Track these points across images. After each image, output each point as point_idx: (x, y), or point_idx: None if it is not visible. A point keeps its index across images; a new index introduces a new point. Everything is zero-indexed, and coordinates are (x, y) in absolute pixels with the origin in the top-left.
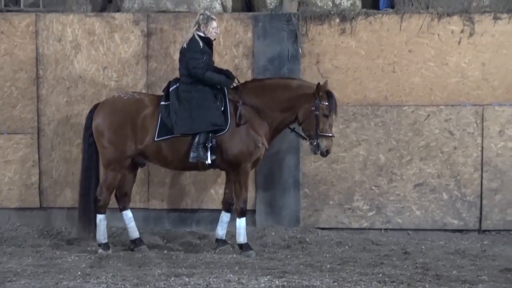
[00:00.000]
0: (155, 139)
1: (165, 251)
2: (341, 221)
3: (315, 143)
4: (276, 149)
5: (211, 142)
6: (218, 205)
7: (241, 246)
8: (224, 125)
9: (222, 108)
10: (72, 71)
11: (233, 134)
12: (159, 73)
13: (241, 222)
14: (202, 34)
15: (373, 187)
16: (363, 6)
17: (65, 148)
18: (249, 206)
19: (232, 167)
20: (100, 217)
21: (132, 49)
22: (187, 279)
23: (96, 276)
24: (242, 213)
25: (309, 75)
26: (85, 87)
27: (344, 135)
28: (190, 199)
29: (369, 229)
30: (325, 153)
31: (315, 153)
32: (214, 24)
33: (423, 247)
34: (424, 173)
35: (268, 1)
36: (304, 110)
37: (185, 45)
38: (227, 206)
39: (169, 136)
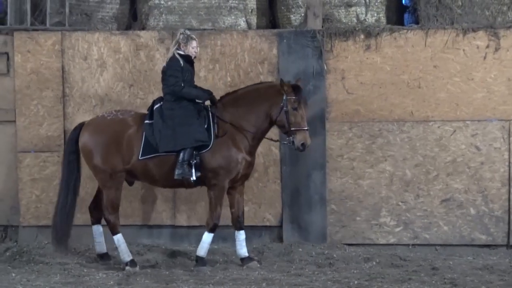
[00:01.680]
0: (139, 158)
1: (192, 268)
2: (368, 237)
3: (290, 140)
4: (302, 166)
5: (195, 159)
6: (245, 221)
7: (197, 259)
8: (208, 141)
9: (206, 125)
10: (98, 89)
11: (215, 150)
12: None
13: (208, 237)
14: (182, 53)
15: (400, 203)
16: (388, 22)
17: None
18: (276, 223)
19: (210, 182)
20: (117, 238)
21: (158, 67)
22: None
23: None
24: (213, 229)
25: (335, 91)
26: (111, 105)
27: (370, 151)
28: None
29: (397, 244)
30: (301, 147)
31: (296, 150)
32: (194, 43)
33: (451, 263)
34: (451, 189)
35: (293, 17)
36: (275, 109)
37: (165, 64)
38: (238, 224)
39: (153, 155)
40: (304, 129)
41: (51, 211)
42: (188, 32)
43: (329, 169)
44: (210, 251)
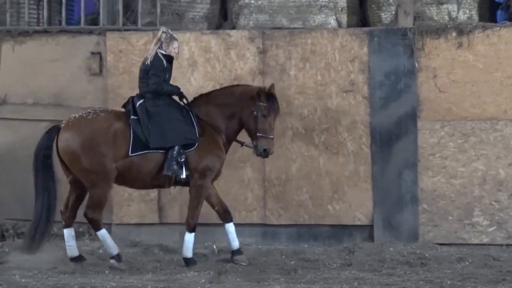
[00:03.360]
0: (130, 154)
1: (283, 267)
2: (460, 236)
3: (255, 144)
4: (393, 165)
5: (182, 158)
6: (335, 221)
7: (186, 261)
8: (196, 140)
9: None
10: (189, 88)
11: (200, 150)
12: (275, 90)
13: (191, 237)
14: (163, 52)
15: (493, 202)
16: (480, 20)
17: None
18: (366, 222)
19: (196, 182)
20: (101, 233)
21: (248, 66)
22: None
23: None
24: (194, 229)
25: (426, 90)
26: None
27: (462, 150)
28: (308, 215)
29: (490, 244)
30: (263, 153)
31: (257, 155)
32: (176, 44)
33: None
34: None
35: (383, 16)
36: (246, 112)
37: (148, 62)
38: (229, 217)
39: (143, 152)
40: (269, 137)
41: (143, 209)
42: (170, 31)
43: (421, 168)
44: (301, 250)
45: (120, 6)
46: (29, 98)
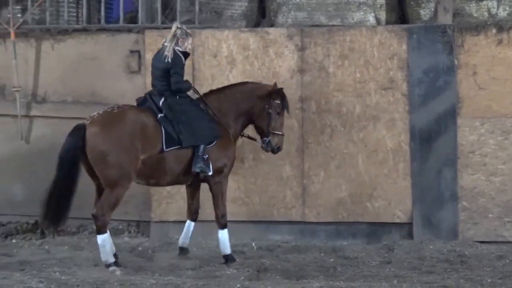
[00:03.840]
0: (165, 149)
1: (322, 265)
2: (500, 234)
3: (266, 141)
4: (432, 162)
5: (206, 155)
6: (374, 218)
7: (227, 258)
8: (220, 137)
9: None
10: None
11: (219, 147)
12: (313, 87)
13: (224, 234)
14: (180, 49)
15: None
16: None
17: None
18: (406, 219)
19: (214, 179)
20: (104, 237)
21: (286, 63)
22: None
23: None
24: (225, 225)
25: (466, 87)
26: None
27: (502, 147)
28: (346, 212)
29: None
30: (276, 150)
31: (266, 151)
32: (190, 40)
33: None
34: None
35: (422, 12)
36: (257, 110)
37: (169, 60)
38: (195, 216)
39: (175, 147)
40: (281, 134)
41: (182, 207)
42: (184, 27)
43: (460, 166)
44: (340, 248)
45: (158, 4)
46: (68, 96)
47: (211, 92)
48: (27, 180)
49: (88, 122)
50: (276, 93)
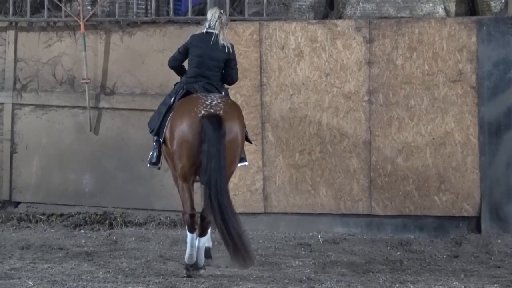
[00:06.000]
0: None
1: (388, 258)
2: None
3: None
4: (502, 156)
5: None
6: (442, 212)
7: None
8: None
9: None
10: (295, 78)
11: None
12: (381, 79)
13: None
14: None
15: None
16: None
17: (288, 155)
18: (474, 213)
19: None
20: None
21: (354, 56)
22: (412, 286)
23: (320, 282)
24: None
25: None
26: (308, 94)
27: None
28: (414, 206)
29: None
30: None
31: None
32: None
33: None
34: None
35: (493, 4)
36: None
37: (231, 51)
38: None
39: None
40: None
41: (248, 199)
42: (222, 12)
43: None
44: (406, 241)
45: None
46: (137, 88)
47: None
48: (95, 171)
49: (221, 113)
50: None
